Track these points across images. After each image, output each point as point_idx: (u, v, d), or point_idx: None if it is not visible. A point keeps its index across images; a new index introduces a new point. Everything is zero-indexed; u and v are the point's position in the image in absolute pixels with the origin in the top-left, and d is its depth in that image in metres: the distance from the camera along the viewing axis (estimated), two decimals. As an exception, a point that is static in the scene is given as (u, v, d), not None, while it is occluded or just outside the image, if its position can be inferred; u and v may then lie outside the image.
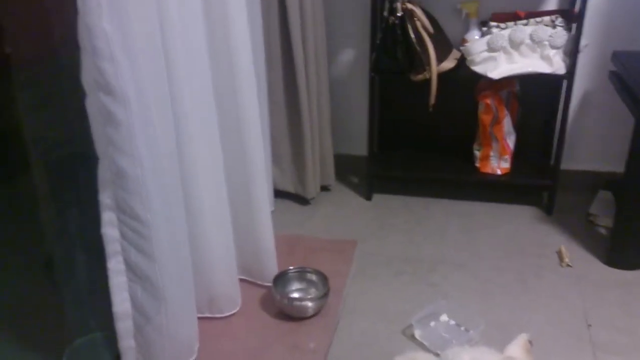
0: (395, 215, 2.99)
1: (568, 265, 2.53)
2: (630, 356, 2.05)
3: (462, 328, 2.16)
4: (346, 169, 3.32)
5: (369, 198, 3.13)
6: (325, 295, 2.26)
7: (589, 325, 2.19)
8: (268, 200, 2.42)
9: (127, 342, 1.87)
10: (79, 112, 1.64)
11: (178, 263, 1.85)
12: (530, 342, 1.83)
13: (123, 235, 1.73)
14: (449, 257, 2.62)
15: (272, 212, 2.47)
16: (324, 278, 2.33)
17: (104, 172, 1.68)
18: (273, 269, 2.38)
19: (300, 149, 2.96)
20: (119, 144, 1.61)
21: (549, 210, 2.92)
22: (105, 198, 1.71)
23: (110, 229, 1.73)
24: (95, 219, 1.74)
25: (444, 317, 2.21)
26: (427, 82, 2.71)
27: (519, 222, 2.88)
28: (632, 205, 2.46)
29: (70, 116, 1.91)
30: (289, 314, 2.25)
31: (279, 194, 3.08)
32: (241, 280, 2.40)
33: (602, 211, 2.82)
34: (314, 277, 2.37)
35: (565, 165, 2.91)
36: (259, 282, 2.42)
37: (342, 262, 2.60)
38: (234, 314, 2.28)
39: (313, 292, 2.33)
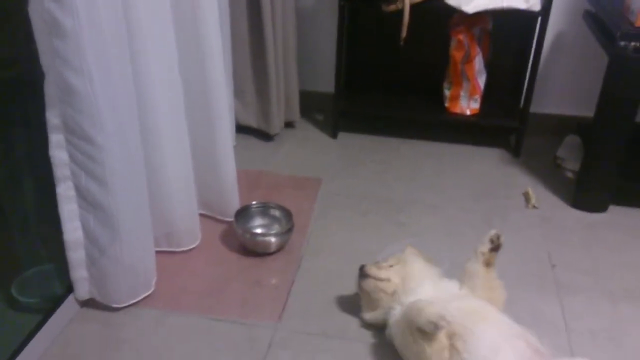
0: (361, 154, 2.91)
1: (534, 207, 2.51)
2: (592, 296, 2.05)
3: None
4: (312, 106, 3.21)
5: (334, 136, 3.04)
6: (289, 231, 2.19)
7: (553, 266, 2.18)
8: (230, 134, 2.30)
9: (79, 272, 1.77)
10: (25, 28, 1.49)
11: (133, 191, 1.74)
12: (498, 237, 1.77)
13: (73, 159, 1.60)
14: (417, 198, 2.57)
15: (234, 147, 2.35)
16: (287, 214, 2.25)
17: (50, 89, 1.53)
18: (235, 205, 2.28)
19: (264, 83, 2.82)
20: (67, 56, 1.46)
21: (516, 152, 2.89)
22: (52, 117, 1.56)
23: (58, 151, 1.60)
24: (43, 141, 1.60)
25: (409, 255, 2.16)
26: (399, 14, 2.59)
27: (487, 163, 2.84)
28: (599, 149, 2.44)
29: (17, 35, 1.74)
30: (251, 250, 2.17)
31: (241, 129, 2.95)
32: (202, 215, 2.30)
33: (570, 155, 2.80)
34: (277, 213, 2.29)
35: (535, 108, 2.86)
36: (220, 218, 2.32)
37: (305, 200, 2.52)
38: (193, 249, 2.19)
39: (276, 227, 2.24)
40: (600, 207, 2.49)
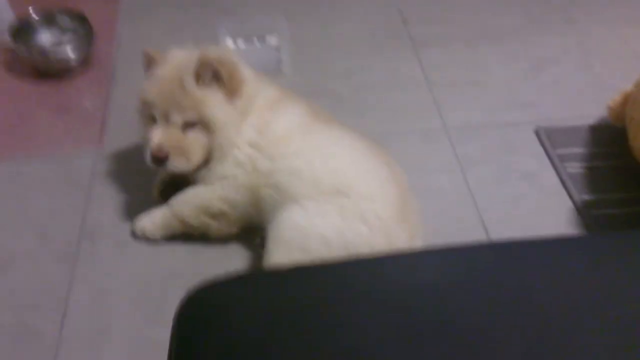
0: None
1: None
2: (448, 45, 1.87)
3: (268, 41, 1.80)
4: None
5: None
6: (87, 38, 1.73)
7: (405, 21, 1.96)
8: None
9: None
10: None
11: None
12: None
13: None
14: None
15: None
16: (81, 19, 1.77)
17: None
18: (7, 18, 1.75)
19: None
20: None
21: None
22: None
23: None
24: None
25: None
26: None
27: None
28: None
29: None
30: (46, 71, 1.72)
31: None
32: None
33: None
34: (67, 21, 1.79)
35: None
36: (-5, 40, 1.80)
37: (104, 3, 2.02)
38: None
39: (70, 37, 1.77)
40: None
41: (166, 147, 1.22)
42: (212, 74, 1.22)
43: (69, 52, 1.70)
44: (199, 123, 1.23)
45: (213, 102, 1.23)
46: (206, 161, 1.27)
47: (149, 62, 1.29)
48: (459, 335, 0.62)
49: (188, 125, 1.23)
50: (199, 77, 1.22)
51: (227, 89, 1.24)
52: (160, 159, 1.23)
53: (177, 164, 1.24)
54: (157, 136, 1.23)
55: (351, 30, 1.93)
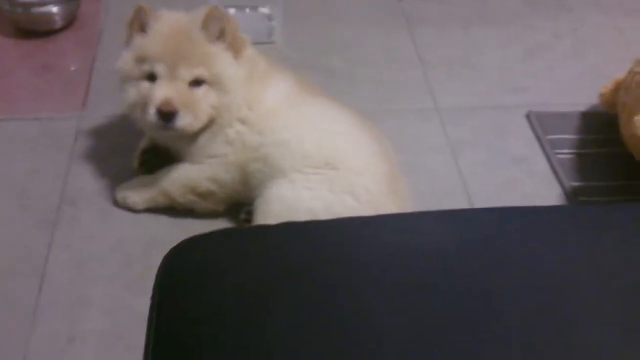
0: None
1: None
2: (443, 25, 1.85)
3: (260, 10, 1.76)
4: None
5: None
6: (73, -4, 1.67)
7: (399, 0, 1.93)
8: None
9: None
10: None
11: None
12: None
13: None
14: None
15: None
16: (68, -26, 1.71)
17: None
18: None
19: None
20: None
21: None
22: None
23: None
24: None
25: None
26: None
27: None
28: None
29: None
30: (30, 28, 1.66)
31: None
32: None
33: None
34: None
35: None
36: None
37: (95, -38, 1.96)
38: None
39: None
40: None
41: (175, 101, 1.14)
42: (220, 30, 1.17)
43: (54, 8, 1.64)
44: (207, 81, 1.17)
45: (224, 58, 1.18)
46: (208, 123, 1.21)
47: (142, 19, 1.19)
48: (458, 298, 0.61)
49: (196, 82, 1.17)
50: (207, 30, 1.16)
51: (232, 48, 1.19)
52: (168, 114, 1.14)
53: (186, 121, 1.16)
54: (164, 90, 1.15)
55: (346, 5, 1.89)
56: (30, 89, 1.55)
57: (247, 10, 1.74)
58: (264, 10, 1.73)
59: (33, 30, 1.66)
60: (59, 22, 1.67)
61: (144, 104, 1.17)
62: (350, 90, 1.60)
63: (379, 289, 0.62)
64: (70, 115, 1.48)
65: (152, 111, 1.14)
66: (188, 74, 1.15)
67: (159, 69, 1.15)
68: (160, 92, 1.14)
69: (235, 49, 1.19)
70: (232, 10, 1.74)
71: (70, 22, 1.69)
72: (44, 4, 1.63)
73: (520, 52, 1.77)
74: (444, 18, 1.87)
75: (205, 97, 1.18)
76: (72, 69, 1.62)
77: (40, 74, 1.58)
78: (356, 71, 1.67)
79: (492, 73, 1.70)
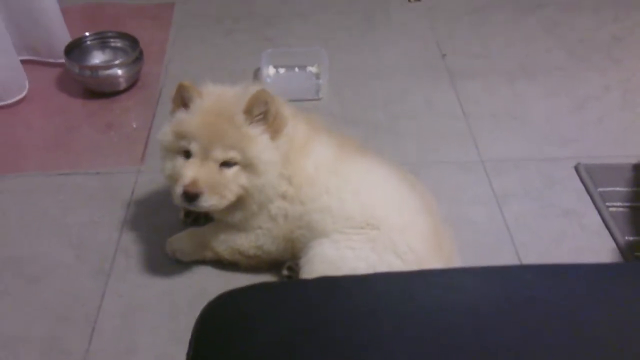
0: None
1: (416, 0, 2.24)
2: (486, 78, 1.87)
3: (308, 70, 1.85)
4: None
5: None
6: (137, 60, 1.79)
7: (444, 55, 1.97)
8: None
9: None
10: None
11: None
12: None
13: None
14: (284, 9, 2.21)
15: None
16: (132, 41, 1.84)
17: None
18: (64, 41, 1.83)
19: None
20: None
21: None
22: None
23: None
24: None
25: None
26: None
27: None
28: None
29: None
30: (97, 90, 1.79)
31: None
32: (27, 61, 1.85)
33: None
34: (119, 43, 1.88)
35: None
36: (51, 60, 1.88)
37: (158, 28, 2.11)
38: (21, 101, 1.76)
39: (121, 58, 1.83)
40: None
41: (201, 183, 1.15)
42: (263, 112, 1.17)
43: (119, 71, 1.76)
44: (240, 163, 1.17)
45: (261, 142, 1.18)
46: (238, 202, 1.22)
47: (186, 96, 1.21)
48: (492, 356, 0.60)
49: (226, 163, 1.17)
50: (249, 113, 1.17)
51: (272, 129, 1.19)
52: (192, 195, 1.15)
53: (210, 202, 1.16)
54: (193, 171, 1.15)
55: (390, 62, 1.95)
56: (94, 145, 1.65)
57: (296, 69, 1.84)
58: (312, 69, 1.82)
59: (99, 92, 1.78)
60: (123, 84, 1.78)
61: (177, 178, 1.18)
62: (394, 143, 1.63)
63: (407, 346, 0.62)
64: (129, 169, 1.57)
65: (179, 191, 1.16)
66: (221, 155, 1.16)
67: (194, 147, 1.16)
68: (189, 172, 1.15)
69: (275, 129, 1.19)
70: (282, 70, 1.84)
71: (133, 83, 1.81)
72: (110, 67, 1.76)
73: (567, 104, 1.77)
74: (487, 72, 1.89)
75: (234, 179, 1.17)
76: (134, 126, 1.72)
77: (104, 132, 1.69)
78: (399, 124, 1.70)
79: (539, 125, 1.70)
